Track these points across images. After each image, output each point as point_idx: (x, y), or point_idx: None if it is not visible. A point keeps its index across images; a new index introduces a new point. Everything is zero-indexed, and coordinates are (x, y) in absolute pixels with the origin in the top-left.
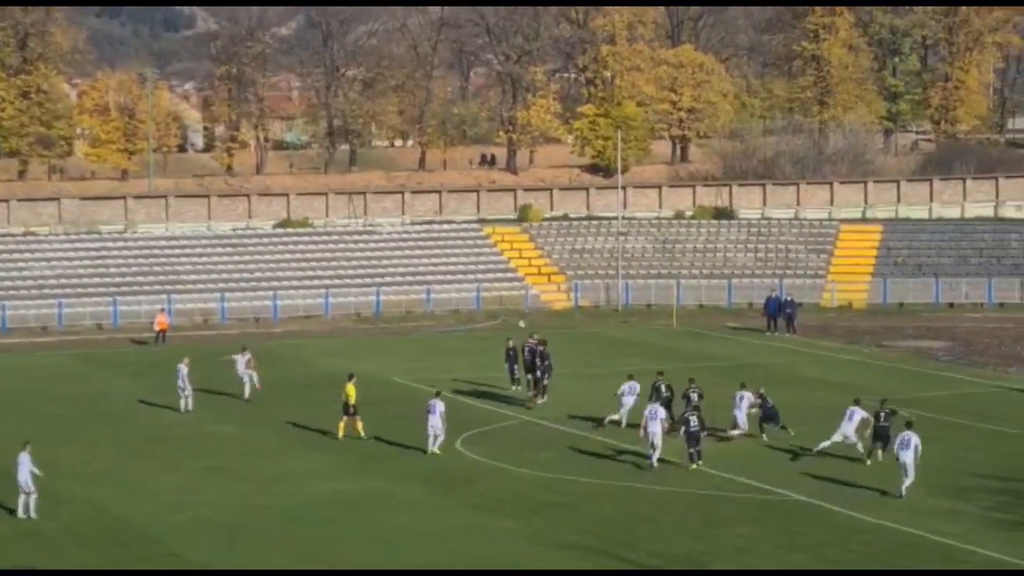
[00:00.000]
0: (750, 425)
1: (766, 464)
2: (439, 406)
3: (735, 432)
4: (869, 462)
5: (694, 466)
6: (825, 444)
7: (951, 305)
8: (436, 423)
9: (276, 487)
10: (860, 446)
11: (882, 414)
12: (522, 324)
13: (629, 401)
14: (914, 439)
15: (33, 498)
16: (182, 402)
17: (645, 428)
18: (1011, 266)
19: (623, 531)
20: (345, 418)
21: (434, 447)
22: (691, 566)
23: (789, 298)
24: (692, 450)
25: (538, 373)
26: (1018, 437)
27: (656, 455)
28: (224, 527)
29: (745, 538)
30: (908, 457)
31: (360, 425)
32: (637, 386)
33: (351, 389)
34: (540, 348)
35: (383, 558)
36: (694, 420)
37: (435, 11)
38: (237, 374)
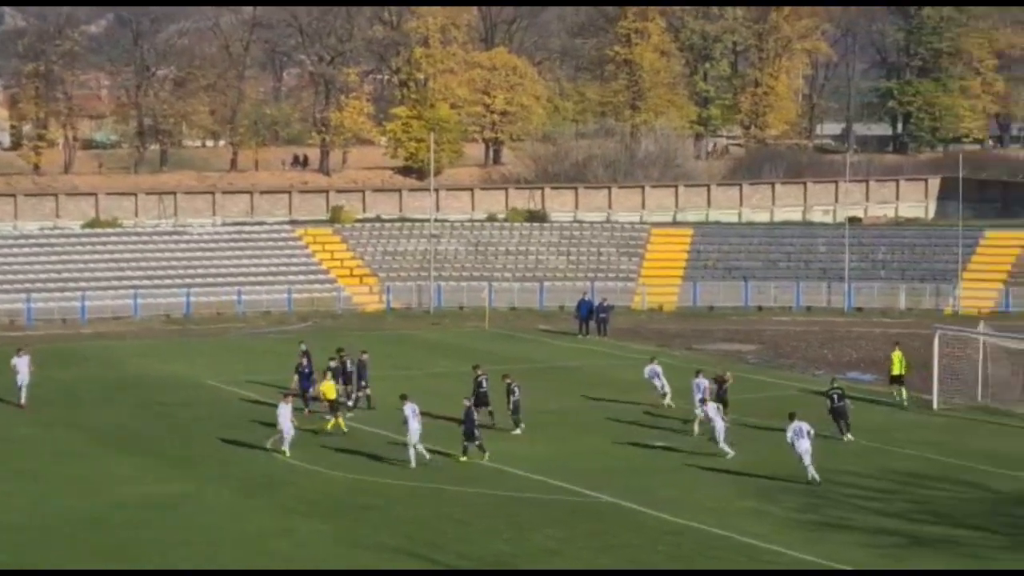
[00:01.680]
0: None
1: (576, 465)
2: (284, 408)
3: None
4: (847, 437)
5: (464, 458)
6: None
7: (760, 308)
8: (286, 425)
9: (83, 490)
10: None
11: (835, 395)
12: None
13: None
14: (805, 426)
15: None
16: None
17: (405, 423)
18: (818, 270)
19: (433, 533)
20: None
21: (284, 447)
22: (500, 568)
23: (604, 303)
24: (465, 443)
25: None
26: (823, 439)
27: (412, 453)
28: (28, 530)
29: (554, 540)
30: (805, 445)
31: (342, 421)
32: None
33: (329, 387)
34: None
35: (190, 560)
36: (475, 415)
37: (247, 11)
38: (17, 380)
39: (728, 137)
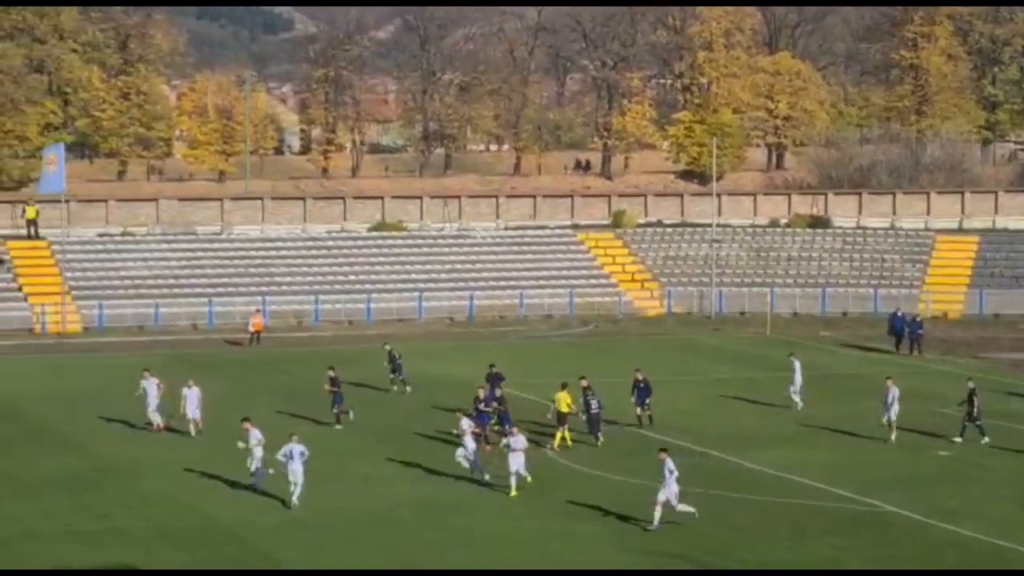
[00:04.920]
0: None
1: (857, 474)
2: (297, 450)
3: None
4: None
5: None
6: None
7: None
8: (296, 469)
9: (363, 489)
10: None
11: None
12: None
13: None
14: None
15: (299, 489)
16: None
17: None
18: None
19: (713, 539)
20: (561, 428)
21: (294, 497)
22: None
23: (916, 318)
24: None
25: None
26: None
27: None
28: (313, 528)
29: (837, 548)
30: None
31: (563, 435)
32: None
33: (563, 397)
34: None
35: (469, 561)
36: (595, 404)
37: (532, 16)
38: (148, 404)
39: (1016, 142)
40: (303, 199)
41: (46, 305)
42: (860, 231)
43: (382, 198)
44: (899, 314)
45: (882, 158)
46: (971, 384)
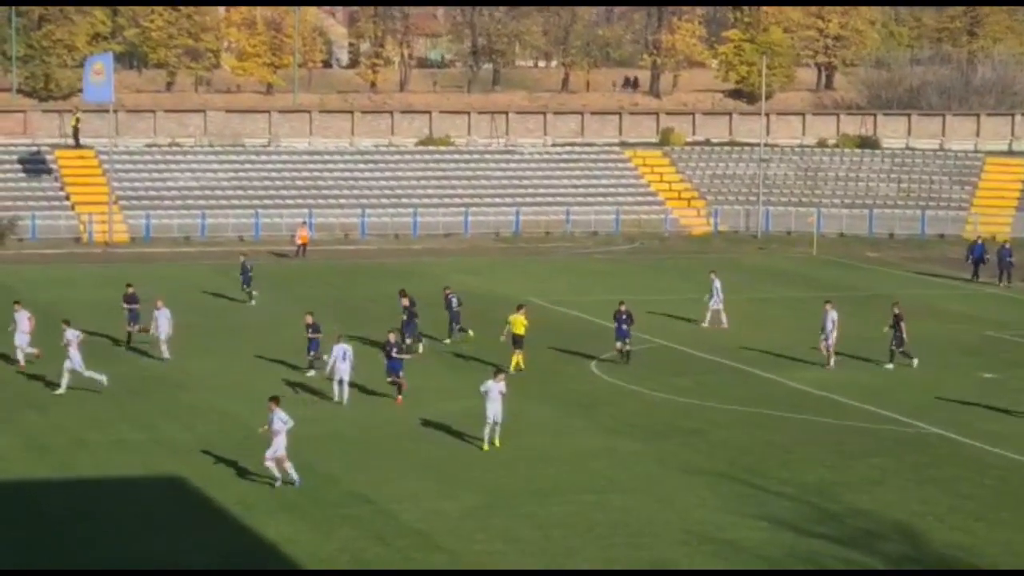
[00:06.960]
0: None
1: (901, 395)
2: (344, 350)
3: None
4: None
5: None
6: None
7: None
8: (344, 368)
9: (405, 404)
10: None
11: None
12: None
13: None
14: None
15: (347, 386)
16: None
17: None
18: None
19: (755, 458)
20: (517, 352)
21: (345, 397)
22: (821, 495)
23: (1006, 245)
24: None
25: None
26: None
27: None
28: (356, 442)
29: (878, 470)
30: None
31: (519, 359)
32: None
33: (519, 319)
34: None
35: (515, 477)
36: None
37: None
38: (17, 338)
39: None
40: (351, 113)
41: (93, 215)
42: (909, 152)
43: (430, 113)
44: (979, 242)
45: (932, 79)
46: (896, 309)
